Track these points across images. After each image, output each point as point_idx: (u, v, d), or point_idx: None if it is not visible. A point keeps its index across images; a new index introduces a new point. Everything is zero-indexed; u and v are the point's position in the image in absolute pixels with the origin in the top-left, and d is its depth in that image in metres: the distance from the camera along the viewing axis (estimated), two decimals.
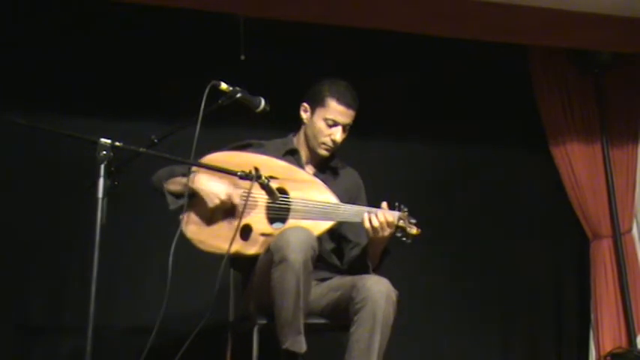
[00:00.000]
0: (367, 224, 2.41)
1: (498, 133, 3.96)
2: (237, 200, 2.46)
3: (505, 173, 3.95)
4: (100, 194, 1.95)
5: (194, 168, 2.47)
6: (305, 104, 2.67)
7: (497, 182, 3.93)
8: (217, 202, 2.44)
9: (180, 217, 2.43)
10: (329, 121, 2.60)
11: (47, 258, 3.25)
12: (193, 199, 2.47)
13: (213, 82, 2.38)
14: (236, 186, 2.48)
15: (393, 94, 3.75)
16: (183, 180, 2.45)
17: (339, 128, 2.61)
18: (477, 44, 3.60)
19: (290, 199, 2.46)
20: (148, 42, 3.46)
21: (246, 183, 2.38)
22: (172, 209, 2.48)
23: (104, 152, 1.98)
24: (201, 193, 2.45)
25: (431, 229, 3.35)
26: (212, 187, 2.45)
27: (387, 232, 2.41)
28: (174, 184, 2.50)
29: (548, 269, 3.96)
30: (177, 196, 2.48)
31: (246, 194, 2.40)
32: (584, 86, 3.98)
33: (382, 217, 2.40)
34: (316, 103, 2.63)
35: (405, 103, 3.78)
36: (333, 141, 2.62)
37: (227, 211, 2.49)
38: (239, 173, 2.29)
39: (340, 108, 2.59)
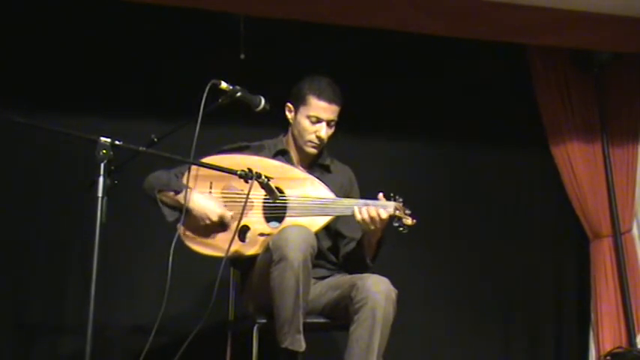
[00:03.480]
0: (358, 217, 2.42)
1: (498, 133, 3.95)
2: (229, 219, 2.46)
3: (505, 173, 3.95)
4: (100, 193, 1.95)
5: (191, 171, 2.46)
6: (289, 104, 2.68)
7: (497, 182, 3.92)
8: (208, 222, 2.45)
9: (178, 226, 2.43)
10: (312, 118, 2.61)
11: (47, 257, 3.25)
12: (189, 211, 2.45)
13: (213, 81, 2.38)
14: (228, 194, 2.48)
15: (392, 94, 3.75)
16: (176, 197, 2.45)
17: (323, 124, 2.61)
18: (477, 44, 3.60)
19: (286, 197, 2.46)
20: (148, 41, 3.46)
21: (241, 185, 2.38)
22: (170, 221, 2.47)
23: (104, 151, 1.98)
24: (194, 213, 2.45)
25: (431, 229, 3.38)
26: (204, 208, 2.44)
27: (380, 223, 2.42)
28: (168, 198, 2.48)
29: (548, 269, 3.95)
30: (172, 207, 2.48)
31: (240, 201, 2.41)
32: (585, 85, 3.97)
33: (373, 211, 2.40)
34: (298, 101, 2.63)
35: (405, 102, 3.77)
36: (319, 138, 2.62)
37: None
38: (239, 172, 2.29)
39: (322, 104, 2.59)
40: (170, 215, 2.47)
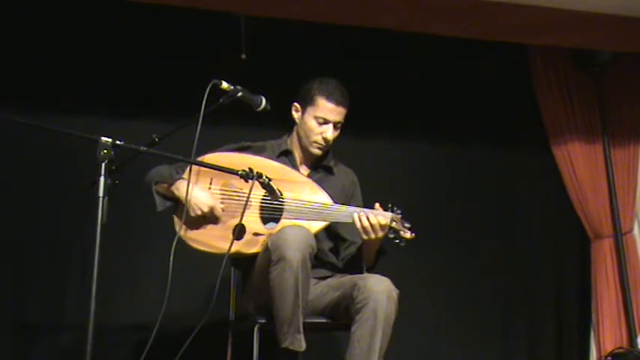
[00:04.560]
0: (358, 224, 2.42)
1: (499, 133, 3.95)
2: (219, 212, 2.46)
3: (506, 173, 3.95)
4: (101, 193, 1.95)
5: (192, 168, 2.46)
6: (296, 104, 2.69)
7: (498, 182, 3.93)
8: (199, 213, 2.45)
9: (177, 224, 2.44)
10: (319, 119, 2.61)
11: (48, 257, 3.25)
12: (181, 202, 2.46)
13: (214, 81, 2.38)
14: (227, 192, 2.48)
15: (392, 94, 3.75)
16: (170, 188, 2.46)
17: (330, 126, 2.62)
18: (478, 44, 3.60)
19: (283, 200, 2.46)
20: (148, 40, 3.46)
21: (240, 183, 2.38)
22: (159, 210, 2.49)
23: (105, 151, 1.98)
24: (186, 204, 2.44)
25: (431, 229, 3.38)
26: (195, 198, 2.44)
27: (380, 233, 2.42)
28: (162, 187, 2.50)
29: (548, 269, 3.95)
30: (166, 197, 2.49)
31: (238, 199, 2.42)
32: (585, 85, 3.97)
33: (374, 219, 2.41)
34: (306, 102, 2.64)
35: (405, 102, 3.78)
36: (325, 139, 2.63)
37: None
38: (240, 172, 2.29)
39: (330, 106, 2.60)
40: (161, 205, 2.48)
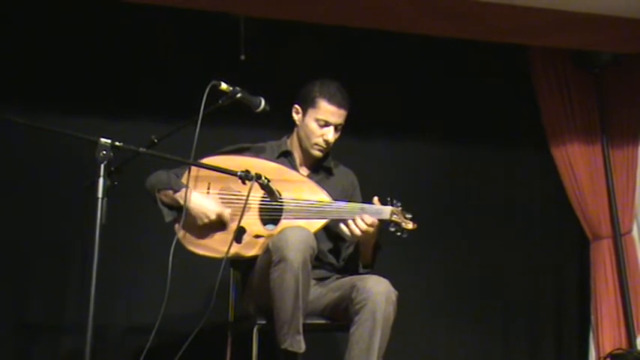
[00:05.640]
0: (347, 232, 2.43)
1: (498, 134, 3.96)
2: (227, 217, 2.46)
3: (505, 173, 3.95)
4: (100, 194, 1.95)
5: (190, 172, 2.46)
6: (296, 106, 2.68)
7: (498, 182, 3.93)
8: (206, 221, 2.45)
9: (177, 227, 2.44)
10: (320, 121, 2.61)
11: (48, 258, 3.25)
12: (187, 210, 2.45)
13: (214, 82, 2.39)
14: (226, 195, 2.49)
15: (392, 94, 3.75)
16: (174, 196, 2.45)
17: (331, 128, 2.62)
18: (477, 44, 3.60)
19: (282, 200, 2.46)
20: (148, 41, 3.46)
21: (238, 186, 2.38)
22: (168, 221, 2.48)
23: (104, 152, 1.98)
24: (192, 212, 2.44)
25: (431, 229, 3.37)
26: (202, 207, 2.44)
27: (371, 230, 2.42)
28: (167, 197, 2.49)
29: (548, 270, 3.95)
30: (170, 207, 2.48)
31: (237, 202, 2.43)
32: (585, 86, 3.97)
33: (360, 223, 2.40)
34: (307, 104, 2.63)
35: (405, 103, 3.78)
36: (326, 141, 2.63)
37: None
38: (239, 173, 2.29)
39: (331, 108, 2.60)
40: (168, 215, 2.47)
